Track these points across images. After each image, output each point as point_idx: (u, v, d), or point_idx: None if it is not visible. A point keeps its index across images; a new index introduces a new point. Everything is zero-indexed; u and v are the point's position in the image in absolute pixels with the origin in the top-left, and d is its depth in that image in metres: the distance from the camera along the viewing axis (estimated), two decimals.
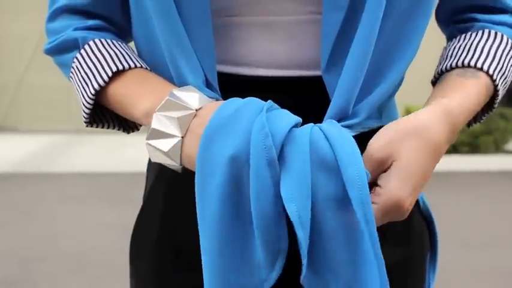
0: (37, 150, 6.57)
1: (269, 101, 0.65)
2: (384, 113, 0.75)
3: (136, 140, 5.86)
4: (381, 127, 0.72)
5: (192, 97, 0.67)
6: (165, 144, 0.67)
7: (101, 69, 0.74)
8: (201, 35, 0.69)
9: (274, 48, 0.72)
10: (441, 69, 0.77)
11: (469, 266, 3.37)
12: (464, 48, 0.76)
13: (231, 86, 0.72)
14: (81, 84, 0.75)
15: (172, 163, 0.67)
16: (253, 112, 0.63)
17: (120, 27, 0.81)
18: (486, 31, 0.77)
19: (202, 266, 0.65)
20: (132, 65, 0.74)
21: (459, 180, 5.60)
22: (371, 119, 0.72)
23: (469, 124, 0.80)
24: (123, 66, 0.73)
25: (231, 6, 0.70)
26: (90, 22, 0.78)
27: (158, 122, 0.67)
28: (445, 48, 0.81)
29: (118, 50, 0.75)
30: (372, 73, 0.69)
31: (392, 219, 0.66)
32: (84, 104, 0.75)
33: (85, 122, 0.78)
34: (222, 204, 0.62)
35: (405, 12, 0.70)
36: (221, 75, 0.71)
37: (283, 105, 0.68)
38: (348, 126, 0.68)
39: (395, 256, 0.76)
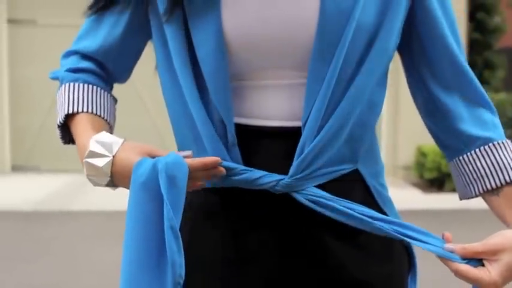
0: (58, 190, 6.69)
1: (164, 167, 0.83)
2: (360, 159, 0.94)
3: None
4: (355, 170, 0.93)
5: (106, 145, 0.87)
6: (101, 181, 0.88)
7: (62, 110, 0.97)
8: (221, 94, 0.89)
9: (278, 104, 0.91)
10: (487, 187, 0.97)
11: None
12: (499, 165, 0.95)
13: (245, 134, 0.91)
14: (56, 118, 1.00)
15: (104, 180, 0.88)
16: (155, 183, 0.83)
17: (109, 72, 1.02)
18: (497, 144, 0.96)
19: (121, 272, 0.83)
20: (80, 110, 0.96)
21: (472, 217, 5.61)
22: (344, 164, 0.91)
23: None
24: (73, 111, 0.96)
25: (242, 72, 0.91)
26: (82, 64, 1.00)
27: (88, 167, 0.88)
28: (462, 164, 0.98)
29: (78, 94, 0.97)
30: (334, 130, 0.88)
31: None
32: (58, 133, 0.99)
33: (62, 143, 1.01)
34: (146, 227, 0.82)
35: (364, 83, 0.89)
36: (236, 126, 0.90)
37: (284, 148, 0.89)
38: (316, 174, 0.89)
39: (381, 269, 0.95)
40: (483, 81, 7.78)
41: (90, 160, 0.87)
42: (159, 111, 7.61)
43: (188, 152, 0.87)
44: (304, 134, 0.88)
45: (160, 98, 1.06)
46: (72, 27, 8.49)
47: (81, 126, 0.94)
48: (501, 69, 8.02)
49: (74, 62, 1.01)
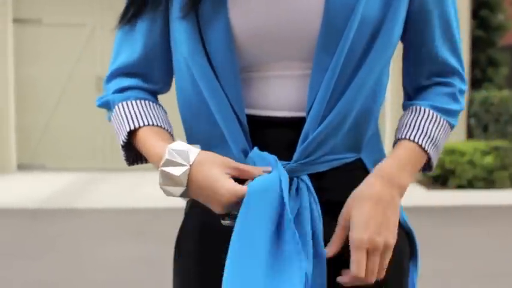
0: (64, 187, 6.73)
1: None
2: (363, 148, 0.98)
3: (157, 177, 5.98)
4: (358, 159, 0.98)
5: (183, 153, 0.88)
6: (176, 192, 0.89)
7: (122, 128, 0.97)
8: (232, 86, 0.93)
9: (285, 95, 0.95)
10: (393, 143, 1.02)
11: None
12: (401, 125, 1.02)
13: (253, 124, 0.95)
14: (117, 139, 0.99)
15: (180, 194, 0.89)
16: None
17: (154, 83, 1.03)
18: (411, 108, 1.03)
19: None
20: (141, 124, 0.96)
21: (475, 214, 5.62)
22: (347, 152, 0.96)
23: (423, 170, 1.04)
24: (134, 126, 0.96)
25: (251, 64, 0.95)
26: (126, 82, 1.01)
27: (164, 176, 0.89)
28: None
29: (134, 110, 0.98)
30: (338, 119, 0.92)
31: (377, 255, 0.91)
32: (123, 154, 0.99)
33: (127, 164, 1.02)
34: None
35: (368, 74, 0.93)
36: (246, 116, 0.94)
37: (291, 138, 0.93)
38: (320, 160, 0.92)
39: None
40: (486, 79, 7.78)
41: (166, 169, 0.87)
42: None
43: (268, 168, 0.89)
44: (308, 122, 0.91)
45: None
46: (77, 26, 8.54)
47: (150, 138, 0.95)
48: (504, 67, 8.02)
49: (118, 82, 1.01)
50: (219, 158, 0.89)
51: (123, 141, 0.97)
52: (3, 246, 4.43)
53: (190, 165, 0.88)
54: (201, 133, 0.98)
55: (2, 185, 6.98)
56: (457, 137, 7.13)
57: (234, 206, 0.87)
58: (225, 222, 0.91)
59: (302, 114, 0.94)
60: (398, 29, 0.94)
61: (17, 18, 7.95)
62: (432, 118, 1.00)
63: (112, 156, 8.04)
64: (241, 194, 0.86)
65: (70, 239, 4.63)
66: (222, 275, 0.96)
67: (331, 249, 0.91)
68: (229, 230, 0.94)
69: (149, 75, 1.02)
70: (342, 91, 0.91)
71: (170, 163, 0.88)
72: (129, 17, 0.98)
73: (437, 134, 1.00)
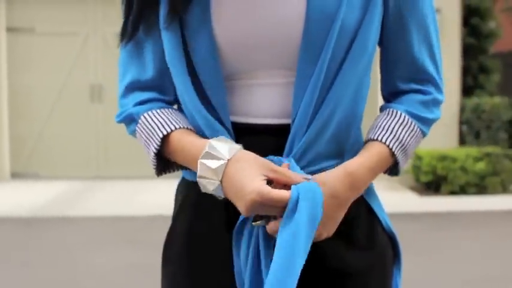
0: (58, 196, 6.71)
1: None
2: (345, 154, 0.98)
3: (151, 185, 5.99)
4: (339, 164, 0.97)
5: (223, 148, 0.89)
6: (210, 185, 0.89)
7: (154, 136, 0.97)
8: (217, 95, 0.95)
9: (269, 103, 0.96)
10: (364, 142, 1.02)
11: None
12: (375, 126, 1.02)
13: (238, 131, 0.96)
14: (146, 150, 0.99)
15: (218, 194, 0.90)
16: None
17: (170, 92, 1.03)
18: (387, 110, 1.03)
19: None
20: (173, 128, 0.97)
21: (467, 220, 5.64)
22: (331, 159, 0.96)
23: (389, 173, 1.04)
24: (166, 131, 0.96)
25: (234, 73, 0.96)
26: (145, 96, 1.02)
27: (201, 169, 0.89)
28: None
29: (161, 118, 0.98)
30: (320, 126, 0.93)
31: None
32: (152, 164, 0.99)
33: (156, 174, 1.02)
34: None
35: (347, 79, 0.94)
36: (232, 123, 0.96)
37: (274, 145, 0.93)
38: (308, 166, 0.93)
39: (361, 260, 0.99)
40: (478, 86, 7.83)
41: (204, 161, 0.88)
42: None
43: (309, 176, 0.90)
44: (293, 130, 0.93)
45: None
46: (70, 35, 8.55)
47: (186, 137, 0.95)
48: (496, 74, 8.07)
49: (137, 96, 1.02)
50: (259, 160, 0.88)
51: (155, 149, 0.96)
52: None
53: (228, 160, 0.88)
54: None
55: None
56: (449, 143, 7.16)
57: (260, 208, 0.85)
58: (257, 223, 0.90)
59: (285, 121, 0.95)
60: (374, 35, 0.96)
61: (10, 27, 7.94)
62: (407, 124, 1.00)
63: (106, 165, 8.03)
64: (267, 196, 0.84)
65: (64, 247, 4.62)
66: (209, 278, 0.98)
67: None
68: (215, 233, 0.95)
69: (163, 87, 1.02)
70: (324, 97, 0.93)
71: (209, 156, 0.88)
72: (129, 32, 0.99)
73: (409, 140, 1.00)
